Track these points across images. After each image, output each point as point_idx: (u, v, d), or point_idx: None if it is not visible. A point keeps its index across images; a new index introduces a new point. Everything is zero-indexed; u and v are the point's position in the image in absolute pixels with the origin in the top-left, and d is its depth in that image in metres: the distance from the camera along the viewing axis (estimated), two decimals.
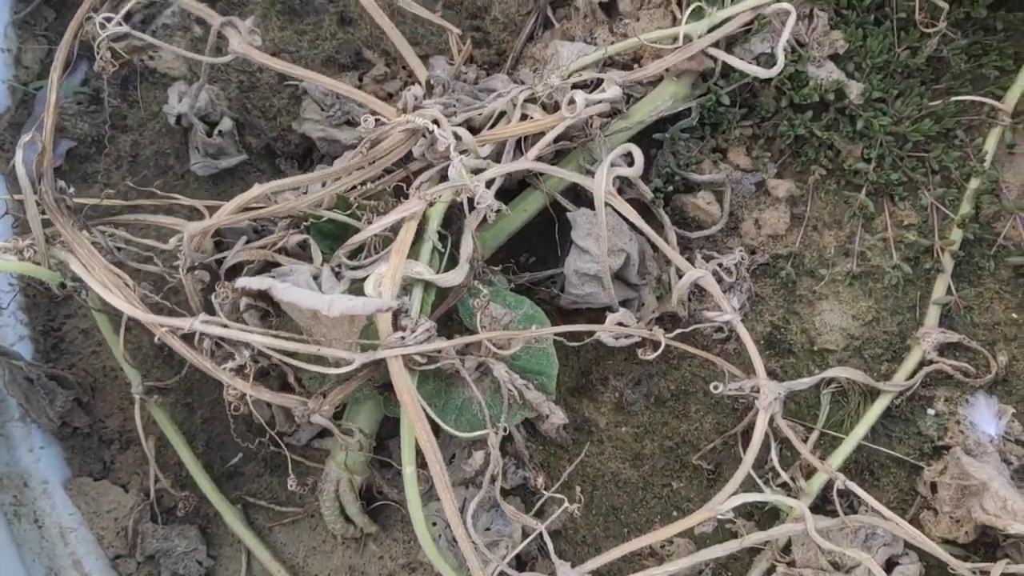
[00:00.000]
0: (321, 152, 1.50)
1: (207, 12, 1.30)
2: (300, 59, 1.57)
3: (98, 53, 1.18)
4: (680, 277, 1.32)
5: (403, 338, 1.06)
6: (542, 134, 1.27)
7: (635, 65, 1.43)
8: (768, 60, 1.37)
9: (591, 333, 1.30)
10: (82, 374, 1.47)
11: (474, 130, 1.37)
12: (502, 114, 1.33)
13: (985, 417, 1.31)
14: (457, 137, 1.23)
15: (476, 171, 1.23)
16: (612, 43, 1.45)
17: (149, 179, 1.55)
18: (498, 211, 1.18)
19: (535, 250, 1.49)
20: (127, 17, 1.49)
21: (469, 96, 1.43)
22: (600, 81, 1.40)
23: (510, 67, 1.52)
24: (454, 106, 1.29)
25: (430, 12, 1.44)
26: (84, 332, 1.49)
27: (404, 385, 1.07)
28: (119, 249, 1.19)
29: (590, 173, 1.35)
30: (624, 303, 1.41)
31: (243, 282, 1.01)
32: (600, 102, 1.25)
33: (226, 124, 1.49)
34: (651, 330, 1.27)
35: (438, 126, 1.18)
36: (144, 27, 1.58)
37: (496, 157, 1.30)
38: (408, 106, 1.24)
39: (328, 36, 1.59)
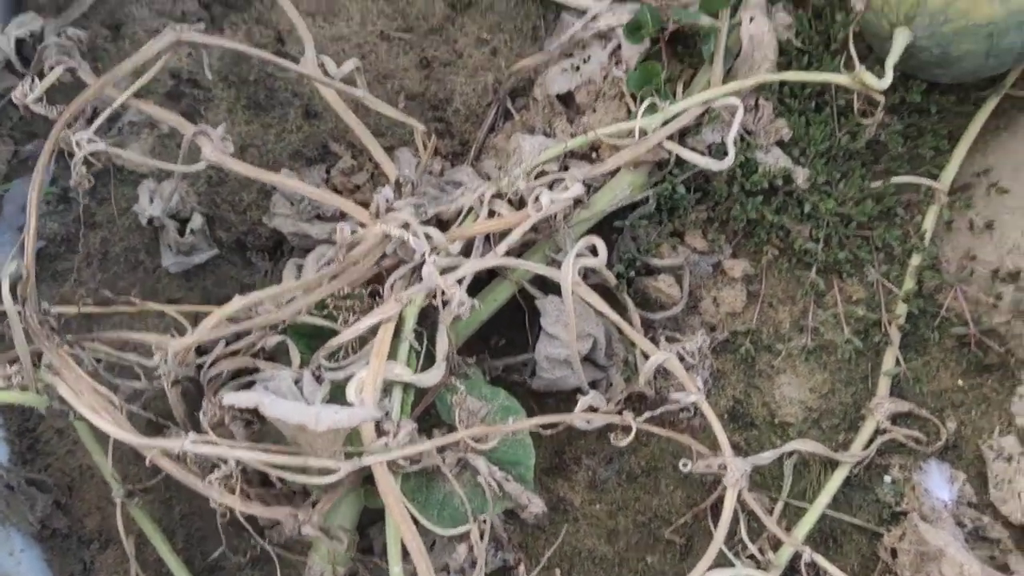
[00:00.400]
0: (292, 245, 1.54)
1: (178, 121, 1.33)
2: (267, 153, 1.61)
3: (74, 170, 1.21)
4: (646, 359, 1.38)
5: (387, 444, 1.10)
6: (510, 230, 1.33)
7: (594, 154, 1.49)
8: (719, 149, 1.44)
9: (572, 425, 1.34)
10: (59, 474, 1.47)
11: (443, 224, 1.43)
12: (470, 208, 1.39)
13: (938, 483, 1.38)
14: (428, 237, 1.28)
15: (448, 269, 1.28)
16: (571, 134, 1.52)
17: (120, 275, 1.57)
18: (472, 308, 1.23)
19: (504, 333, 1.53)
20: (93, 115, 1.53)
21: (436, 189, 1.48)
22: (563, 170, 1.47)
23: (474, 158, 1.57)
24: (423, 205, 1.34)
25: (394, 108, 1.49)
26: (59, 432, 1.49)
27: (389, 488, 1.10)
28: (98, 360, 1.21)
29: (556, 262, 1.41)
30: (593, 384, 1.46)
31: (231, 399, 1.05)
32: (564, 199, 1.30)
33: (197, 221, 1.51)
34: (621, 414, 1.32)
35: (409, 229, 1.23)
36: (111, 125, 1.61)
37: (466, 251, 1.35)
38: (380, 209, 1.28)
39: (294, 129, 1.63)
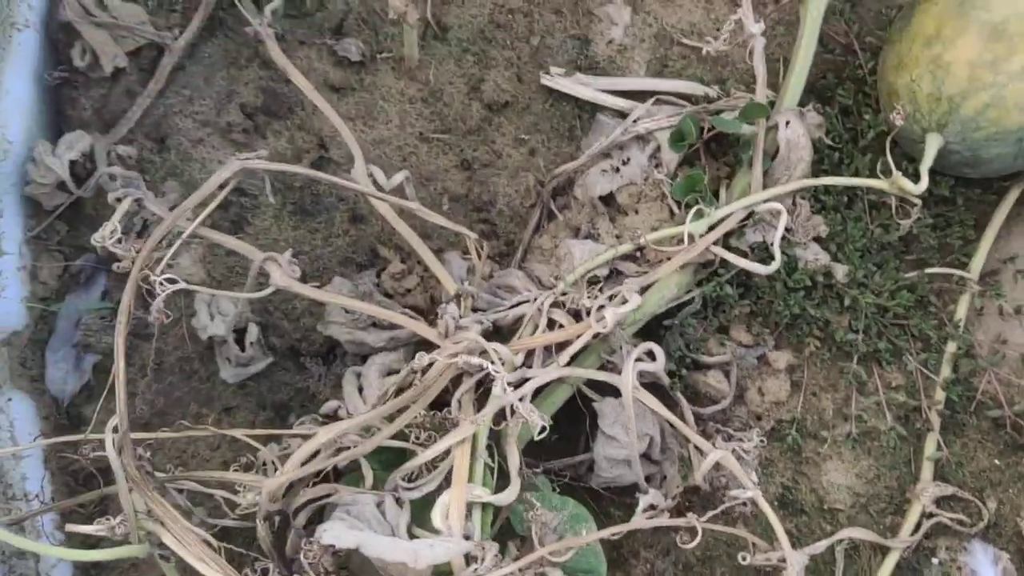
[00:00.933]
0: (346, 351, 1.57)
1: (247, 249, 1.37)
2: (317, 259, 1.65)
3: (154, 309, 1.24)
4: (701, 453, 1.43)
5: (476, 570, 1.14)
6: (570, 340, 1.38)
7: (638, 252, 1.54)
8: (760, 247, 1.50)
9: (629, 518, 1.39)
10: None
11: (500, 330, 1.47)
12: (529, 316, 1.43)
13: (983, 564, 1.44)
14: (496, 352, 1.32)
15: (515, 384, 1.32)
16: (615, 235, 1.58)
17: (176, 385, 1.60)
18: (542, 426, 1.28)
19: (558, 428, 1.57)
20: (143, 228, 1.56)
21: (488, 294, 1.52)
22: (611, 272, 1.52)
23: (520, 259, 1.62)
24: (485, 321, 1.38)
25: (446, 218, 1.54)
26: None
27: None
28: (180, 491, 1.24)
29: (611, 363, 1.46)
30: (648, 478, 1.50)
31: (331, 539, 1.08)
32: (624, 313, 1.35)
33: (253, 332, 1.55)
34: (684, 514, 1.36)
35: (482, 353, 1.27)
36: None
37: (526, 360, 1.40)
38: (449, 329, 1.32)
39: (341, 233, 1.67)
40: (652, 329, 1.55)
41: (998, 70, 1.36)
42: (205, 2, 1.72)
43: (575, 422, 1.54)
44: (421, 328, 1.34)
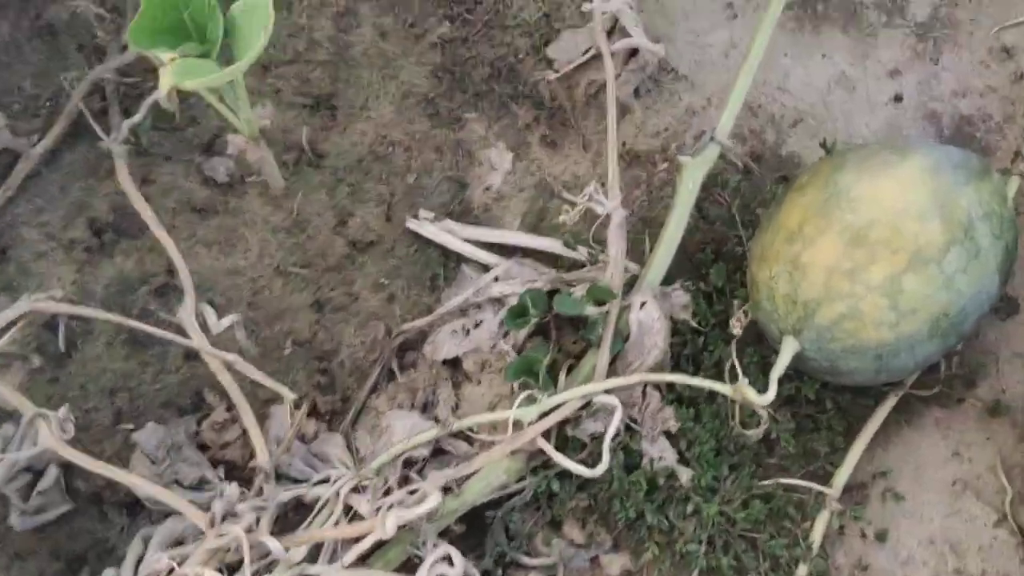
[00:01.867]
0: (149, 507, 1.45)
1: (20, 401, 1.27)
2: (138, 398, 1.53)
3: None
4: None
5: None
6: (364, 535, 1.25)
7: (472, 430, 1.42)
8: (602, 440, 1.37)
9: None
10: None
11: (301, 506, 1.35)
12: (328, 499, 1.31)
13: None
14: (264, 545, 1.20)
15: None
16: (454, 405, 1.46)
17: None
18: None
19: None
20: None
21: (304, 461, 1.41)
22: (436, 451, 1.40)
23: (352, 422, 1.50)
24: (266, 502, 1.26)
25: (265, 375, 1.43)
26: None
27: None
28: None
29: (419, 556, 1.33)
30: None
31: None
32: (415, 515, 1.23)
33: (51, 475, 1.42)
34: None
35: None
36: None
37: (314, 551, 1.27)
38: (217, 518, 1.21)
39: (173, 369, 1.56)
40: (479, 520, 1.42)
41: (856, 280, 1.24)
42: (68, 110, 1.65)
43: None
44: (189, 511, 1.23)
